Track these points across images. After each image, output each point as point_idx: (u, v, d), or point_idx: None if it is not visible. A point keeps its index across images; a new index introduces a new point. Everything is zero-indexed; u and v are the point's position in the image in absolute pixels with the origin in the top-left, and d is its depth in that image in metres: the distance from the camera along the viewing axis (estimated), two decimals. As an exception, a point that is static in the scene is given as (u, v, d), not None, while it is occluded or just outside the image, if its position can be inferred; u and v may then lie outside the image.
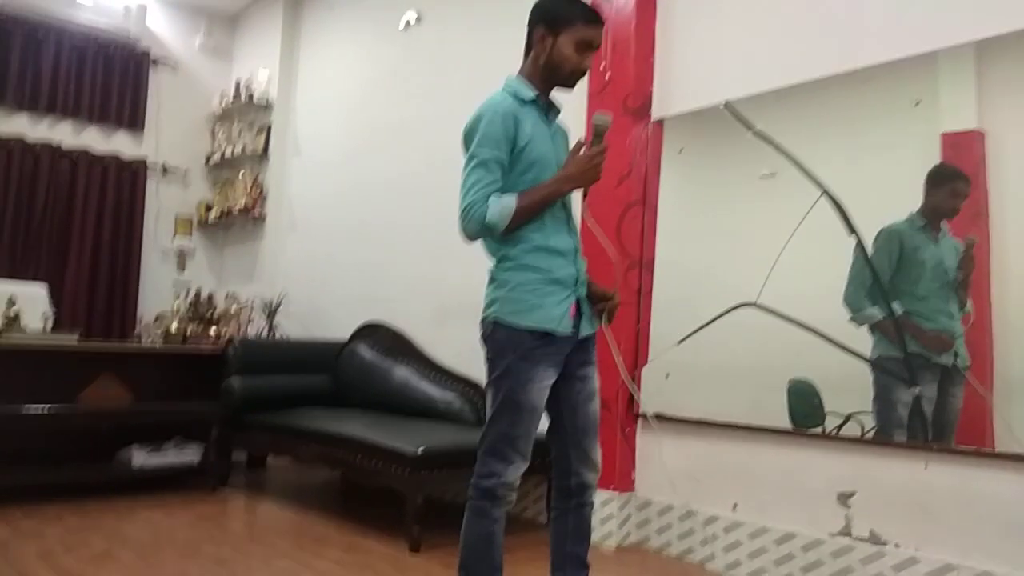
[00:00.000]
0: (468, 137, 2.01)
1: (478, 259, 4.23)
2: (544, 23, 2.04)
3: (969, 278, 2.56)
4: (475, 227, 1.95)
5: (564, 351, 2.02)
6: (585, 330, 2.07)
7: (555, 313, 1.98)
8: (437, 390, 4.13)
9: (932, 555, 2.52)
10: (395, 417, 4.03)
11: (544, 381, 1.98)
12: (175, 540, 3.20)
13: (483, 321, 2.04)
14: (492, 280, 2.05)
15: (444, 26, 4.71)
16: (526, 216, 1.96)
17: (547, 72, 2.05)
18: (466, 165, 1.98)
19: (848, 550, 2.72)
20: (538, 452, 2.05)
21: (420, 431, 3.52)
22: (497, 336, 2.00)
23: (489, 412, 2.02)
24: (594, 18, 2.03)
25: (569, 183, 1.99)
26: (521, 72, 2.10)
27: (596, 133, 1.99)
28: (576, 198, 2.15)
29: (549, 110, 2.12)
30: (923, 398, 2.62)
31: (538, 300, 1.97)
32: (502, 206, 1.93)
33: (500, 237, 1.99)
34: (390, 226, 4.89)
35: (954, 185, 2.63)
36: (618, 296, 2.16)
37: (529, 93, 2.05)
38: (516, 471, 1.99)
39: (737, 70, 3.27)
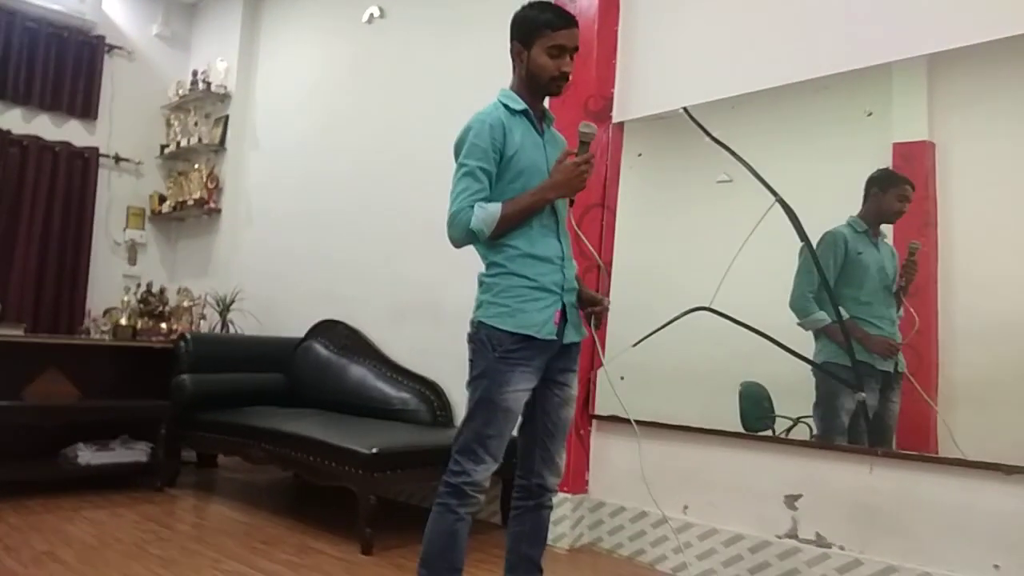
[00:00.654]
0: (457, 148, 2.07)
1: (437, 257, 4.24)
2: (517, 38, 2.11)
3: (911, 284, 2.62)
4: (460, 234, 2.00)
5: (545, 356, 2.05)
6: (570, 337, 2.10)
7: (537, 318, 2.01)
8: (393, 390, 4.10)
9: (875, 557, 2.58)
10: (350, 417, 4.00)
11: (521, 385, 2.01)
12: (120, 541, 3.12)
13: (471, 323, 2.08)
14: (480, 284, 2.09)
15: (407, 21, 4.67)
16: (511, 223, 2.01)
17: (529, 83, 2.10)
18: (455, 174, 2.04)
19: (795, 552, 2.76)
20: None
21: (374, 431, 3.49)
22: (479, 337, 2.04)
23: (467, 411, 2.06)
24: (562, 22, 2.05)
25: (554, 191, 2.03)
26: (511, 86, 2.16)
27: (582, 142, 2.04)
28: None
29: (542, 120, 2.16)
30: (867, 404, 2.67)
31: (521, 305, 2.01)
32: (487, 213, 1.98)
33: (487, 244, 2.04)
34: (348, 222, 4.84)
35: (902, 190, 2.70)
36: (607, 301, 2.22)
37: (519, 104, 2.10)
38: (486, 471, 2.01)
39: (696, 77, 3.30)
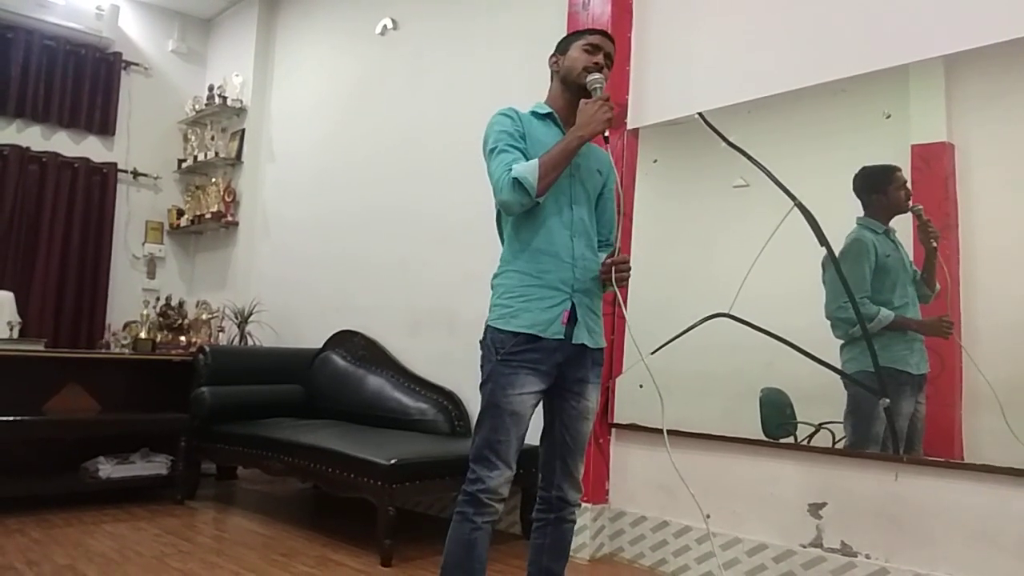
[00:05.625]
0: (485, 142, 2.11)
1: (452, 266, 4.24)
2: (556, 52, 2.23)
3: (936, 247, 2.58)
4: (508, 194, 1.98)
5: (553, 358, 2.02)
6: (580, 337, 2.05)
7: (542, 317, 2.00)
8: (411, 400, 4.09)
9: (902, 566, 2.54)
10: (368, 428, 4.00)
11: (527, 388, 1.99)
12: (141, 554, 3.13)
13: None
14: (492, 287, 2.12)
15: (420, 33, 4.69)
16: (552, 169, 1.98)
17: (565, 84, 2.17)
18: (489, 162, 2.07)
19: (820, 561, 2.72)
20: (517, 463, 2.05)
21: (392, 442, 3.48)
22: (486, 341, 2.05)
23: (478, 418, 2.06)
24: (595, 31, 2.22)
25: (583, 130, 2.02)
26: (545, 100, 2.23)
27: (592, 88, 2.09)
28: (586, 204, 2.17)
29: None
30: (901, 412, 2.62)
31: (523, 305, 2.01)
32: (525, 165, 1.99)
33: (533, 198, 1.99)
34: (364, 232, 4.85)
35: (896, 179, 2.68)
36: (623, 256, 2.11)
37: (544, 108, 2.18)
38: (500, 477, 1.99)
39: (711, 81, 3.28)
